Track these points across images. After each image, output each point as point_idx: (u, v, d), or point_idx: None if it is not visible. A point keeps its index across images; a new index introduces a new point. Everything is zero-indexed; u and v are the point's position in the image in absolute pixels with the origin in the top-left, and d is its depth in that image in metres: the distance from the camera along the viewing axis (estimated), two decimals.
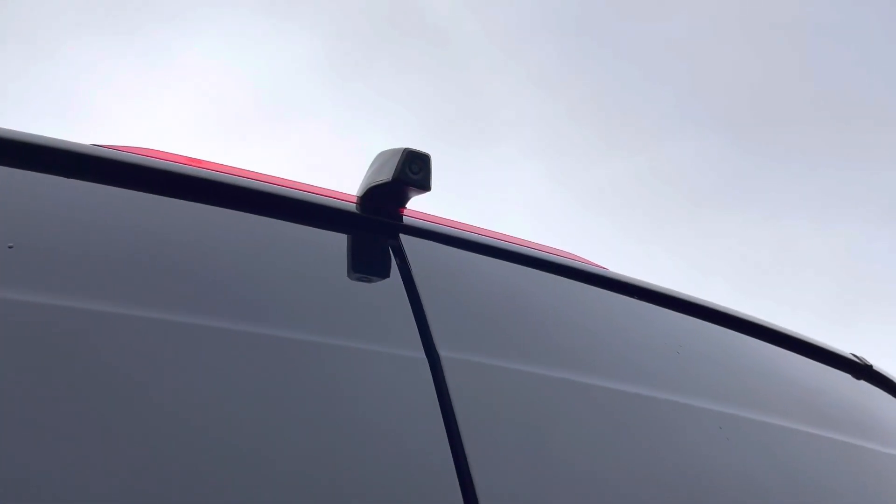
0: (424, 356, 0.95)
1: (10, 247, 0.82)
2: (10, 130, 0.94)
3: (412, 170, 1.05)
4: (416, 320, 0.99)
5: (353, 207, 1.10)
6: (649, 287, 1.27)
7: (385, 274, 1.05)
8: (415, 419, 0.87)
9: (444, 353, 0.95)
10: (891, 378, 1.46)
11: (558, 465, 0.93)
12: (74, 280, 0.83)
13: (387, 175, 1.05)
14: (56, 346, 0.75)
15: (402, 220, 1.11)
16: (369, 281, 1.05)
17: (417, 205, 1.14)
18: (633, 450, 1.00)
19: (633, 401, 1.05)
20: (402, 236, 1.08)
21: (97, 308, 0.80)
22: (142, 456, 0.69)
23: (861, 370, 1.44)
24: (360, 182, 1.11)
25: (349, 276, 1.04)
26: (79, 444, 0.68)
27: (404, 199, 1.10)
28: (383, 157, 1.09)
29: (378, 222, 1.10)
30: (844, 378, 1.42)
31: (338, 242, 1.08)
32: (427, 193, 1.08)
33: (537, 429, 0.96)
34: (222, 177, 1.04)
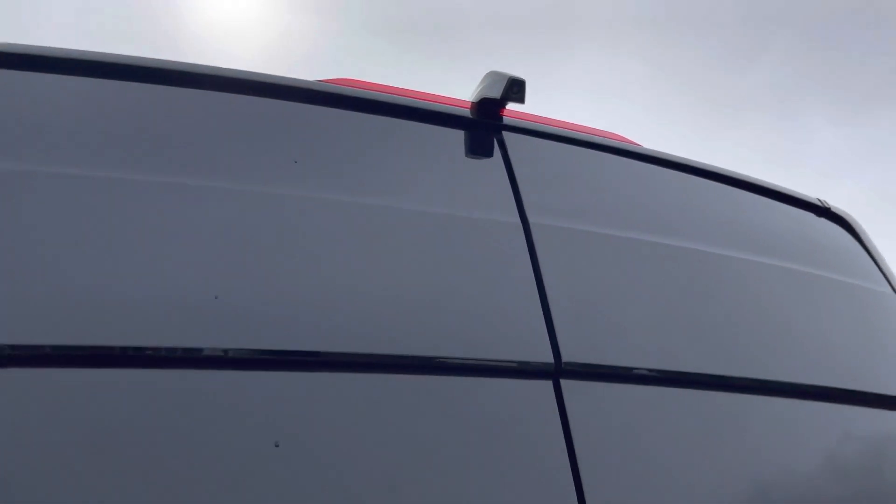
0: (519, 221, 1.48)
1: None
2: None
3: (513, 90, 1.53)
4: (512, 193, 1.51)
5: (468, 113, 1.59)
6: (680, 161, 1.79)
7: (490, 158, 1.56)
8: (508, 270, 1.42)
9: (533, 219, 1.49)
10: (845, 217, 2.00)
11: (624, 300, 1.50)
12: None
13: (496, 93, 1.53)
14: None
15: (502, 120, 1.60)
16: (479, 164, 1.56)
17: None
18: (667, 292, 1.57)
19: (656, 248, 1.60)
20: (504, 132, 1.58)
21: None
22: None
23: (822, 211, 1.98)
24: (474, 93, 1.59)
25: (465, 160, 1.55)
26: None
27: (505, 106, 1.58)
28: (492, 77, 1.56)
29: (487, 122, 1.59)
30: (810, 217, 1.97)
31: (457, 137, 1.58)
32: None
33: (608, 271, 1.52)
34: (367, 93, 1.52)
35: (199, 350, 1.10)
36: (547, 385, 1.37)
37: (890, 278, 1.94)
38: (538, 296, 1.42)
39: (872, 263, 1.95)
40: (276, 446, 1.09)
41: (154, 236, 1.15)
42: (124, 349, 1.06)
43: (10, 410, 0.95)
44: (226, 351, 1.12)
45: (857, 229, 1.99)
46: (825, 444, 1.70)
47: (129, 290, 1.10)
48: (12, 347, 0.98)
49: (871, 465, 1.77)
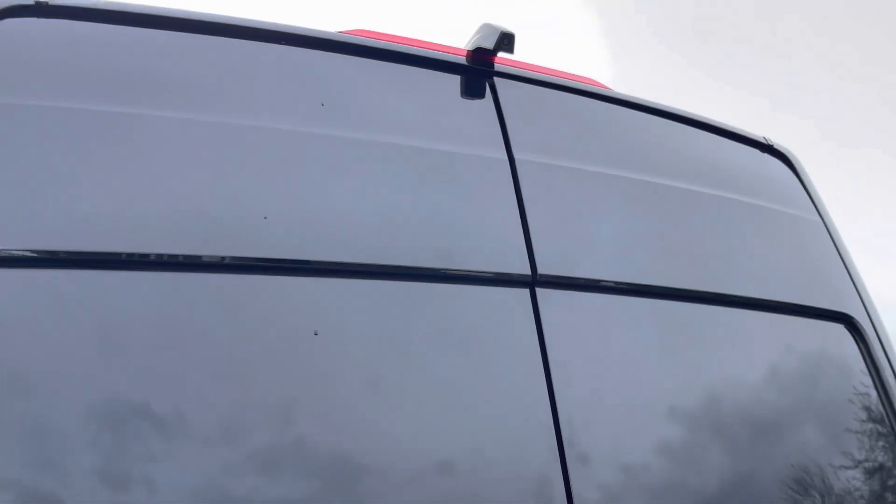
0: (506, 156, 1.75)
1: None
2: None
3: (504, 42, 1.78)
4: (501, 132, 1.78)
5: (463, 60, 1.83)
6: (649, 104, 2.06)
7: (482, 101, 1.82)
8: (494, 196, 1.69)
9: (518, 155, 1.75)
10: (786, 153, 2.30)
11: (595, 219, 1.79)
12: None
13: (489, 44, 1.78)
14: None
15: (493, 66, 1.85)
16: (472, 105, 1.82)
17: None
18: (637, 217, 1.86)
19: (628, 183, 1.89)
20: (496, 78, 1.84)
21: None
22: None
23: (766, 148, 2.27)
24: (469, 42, 1.84)
25: (459, 102, 1.81)
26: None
27: (496, 55, 1.83)
28: (486, 29, 1.80)
29: (480, 69, 1.84)
30: (755, 154, 2.26)
31: (453, 81, 1.83)
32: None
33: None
34: (379, 43, 1.76)
35: (258, 259, 1.40)
36: (524, 293, 1.67)
37: (820, 209, 2.26)
38: (519, 217, 1.71)
39: (807, 195, 2.28)
40: (316, 334, 1.40)
41: (219, 169, 1.42)
42: (200, 256, 1.35)
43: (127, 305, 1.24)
44: (276, 260, 1.42)
45: (796, 164, 2.30)
46: (762, 345, 2.05)
47: (204, 212, 1.38)
48: (110, 253, 1.27)
49: (801, 363, 2.13)
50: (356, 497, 1.39)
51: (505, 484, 1.55)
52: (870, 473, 2.16)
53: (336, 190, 1.55)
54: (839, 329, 2.20)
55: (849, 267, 2.28)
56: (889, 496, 2.13)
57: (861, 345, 2.19)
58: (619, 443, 1.69)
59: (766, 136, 2.30)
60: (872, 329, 2.20)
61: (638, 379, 1.80)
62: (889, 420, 2.17)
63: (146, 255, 1.33)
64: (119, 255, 1.30)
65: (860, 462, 2.13)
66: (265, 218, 1.42)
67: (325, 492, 1.36)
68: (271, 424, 1.36)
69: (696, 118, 2.16)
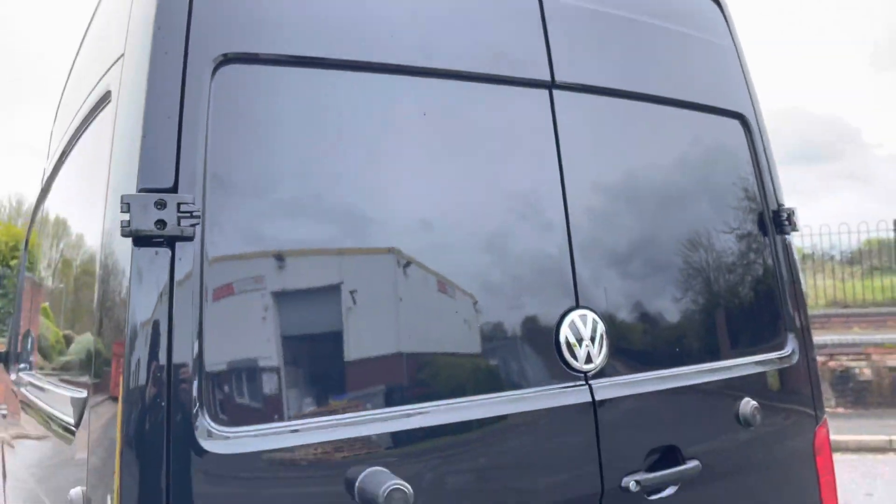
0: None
1: None
2: None
3: None
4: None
5: None
6: None
7: None
8: (524, 20, 2.51)
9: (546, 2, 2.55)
10: (720, 2, 3.15)
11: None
12: None
13: None
14: None
15: None
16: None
17: None
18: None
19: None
20: None
21: None
22: None
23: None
24: None
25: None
26: None
27: None
28: None
29: None
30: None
31: None
32: None
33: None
34: None
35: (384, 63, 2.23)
36: (544, 93, 2.49)
37: (734, 38, 3.14)
38: (543, 38, 2.51)
39: (727, 29, 3.15)
40: (424, 114, 2.23)
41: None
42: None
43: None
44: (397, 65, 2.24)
45: (724, 7, 3.16)
46: (681, 132, 2.90)
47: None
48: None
49: (705, 149, 3.00)
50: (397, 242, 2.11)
51: (526, 244, 2.33)
52: (741, 236, 2.86)
53: (429, 24, 2.31)
54: (735, 124, 3.07)
55: (747, 80, 3.16)
56: (752, 254, 2.94)
57: (748, 136, 3.07)
58: (604, 206, 2.55)
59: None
60: (757, 125, 3.11)
61: (621, 161, 2.60)
62: (759, 196, 3.04)
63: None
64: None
65: (734, 228, 2.87)
66: (391, 35, 2.23)
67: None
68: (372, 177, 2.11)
69: None
